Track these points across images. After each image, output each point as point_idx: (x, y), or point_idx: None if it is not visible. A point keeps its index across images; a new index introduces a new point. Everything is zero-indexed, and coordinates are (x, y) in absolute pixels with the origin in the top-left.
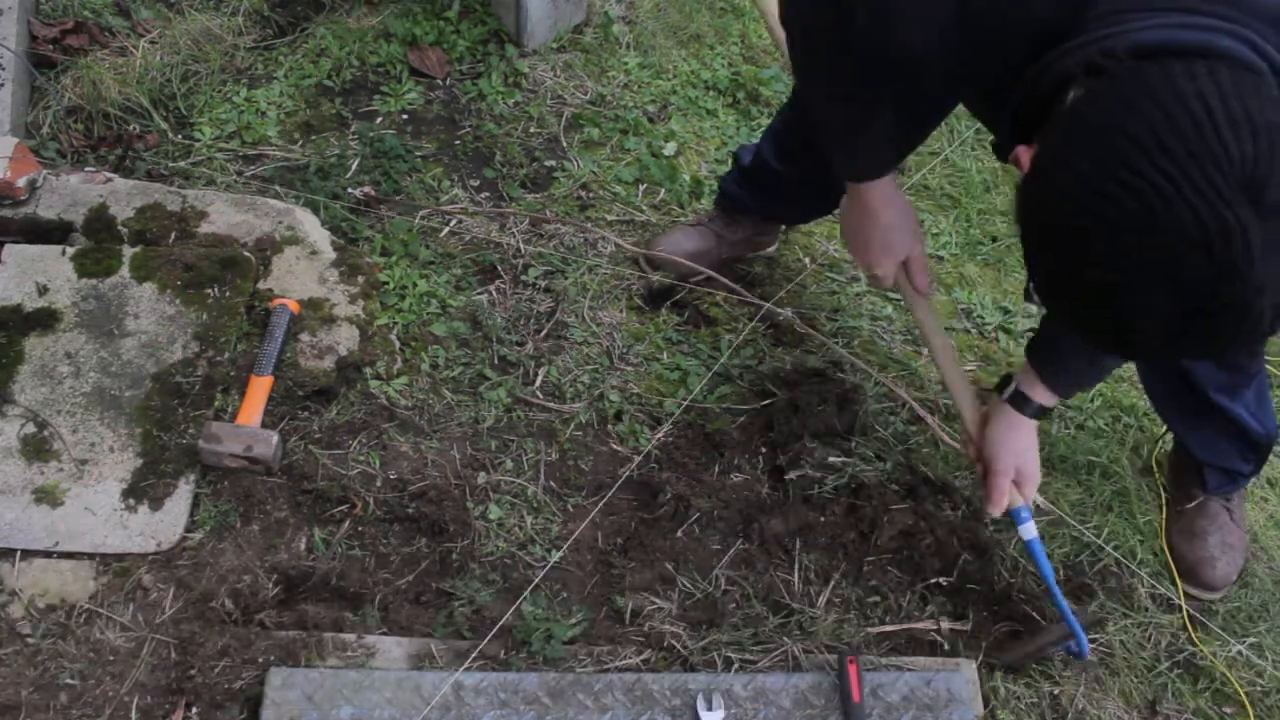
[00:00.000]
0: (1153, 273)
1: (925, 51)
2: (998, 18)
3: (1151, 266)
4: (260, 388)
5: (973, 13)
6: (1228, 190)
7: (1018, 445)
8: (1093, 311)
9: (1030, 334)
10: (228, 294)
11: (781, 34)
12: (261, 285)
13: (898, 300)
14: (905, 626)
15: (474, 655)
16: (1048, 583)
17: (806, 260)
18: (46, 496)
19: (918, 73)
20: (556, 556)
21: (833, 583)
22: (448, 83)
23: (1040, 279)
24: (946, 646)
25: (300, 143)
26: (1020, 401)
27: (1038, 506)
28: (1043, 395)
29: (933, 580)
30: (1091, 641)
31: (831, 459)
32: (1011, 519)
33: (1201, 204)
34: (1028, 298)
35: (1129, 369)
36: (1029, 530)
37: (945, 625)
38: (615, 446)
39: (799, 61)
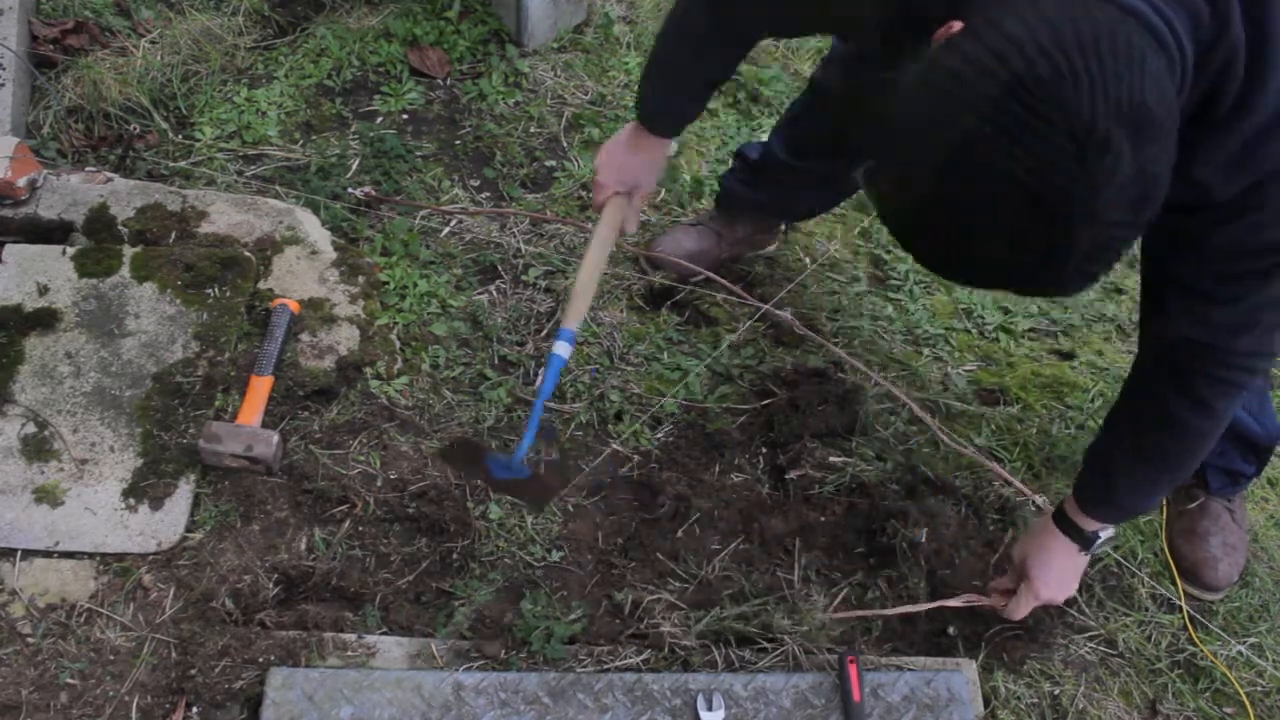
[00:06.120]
0: None
1: None
2: None
3: None
4: (260, 388)
5: None
6: None
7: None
8: None
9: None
10: (228, 294)
11: None
12: (262, 285)
13: (898, 300)
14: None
15: (474, 655)
16: (540, 396)
17: (806, 260)
18: (47, 496)
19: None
20: (556, 556)
21: (835, 584)
22: (448, 83)
23: None
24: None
25: (300, 143)
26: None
27: (1037, 507)
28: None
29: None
30: (1093, 640)
31: (831, 459)
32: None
33: None
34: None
35: None
36: (563, 349)
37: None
38: (615, 446)
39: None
